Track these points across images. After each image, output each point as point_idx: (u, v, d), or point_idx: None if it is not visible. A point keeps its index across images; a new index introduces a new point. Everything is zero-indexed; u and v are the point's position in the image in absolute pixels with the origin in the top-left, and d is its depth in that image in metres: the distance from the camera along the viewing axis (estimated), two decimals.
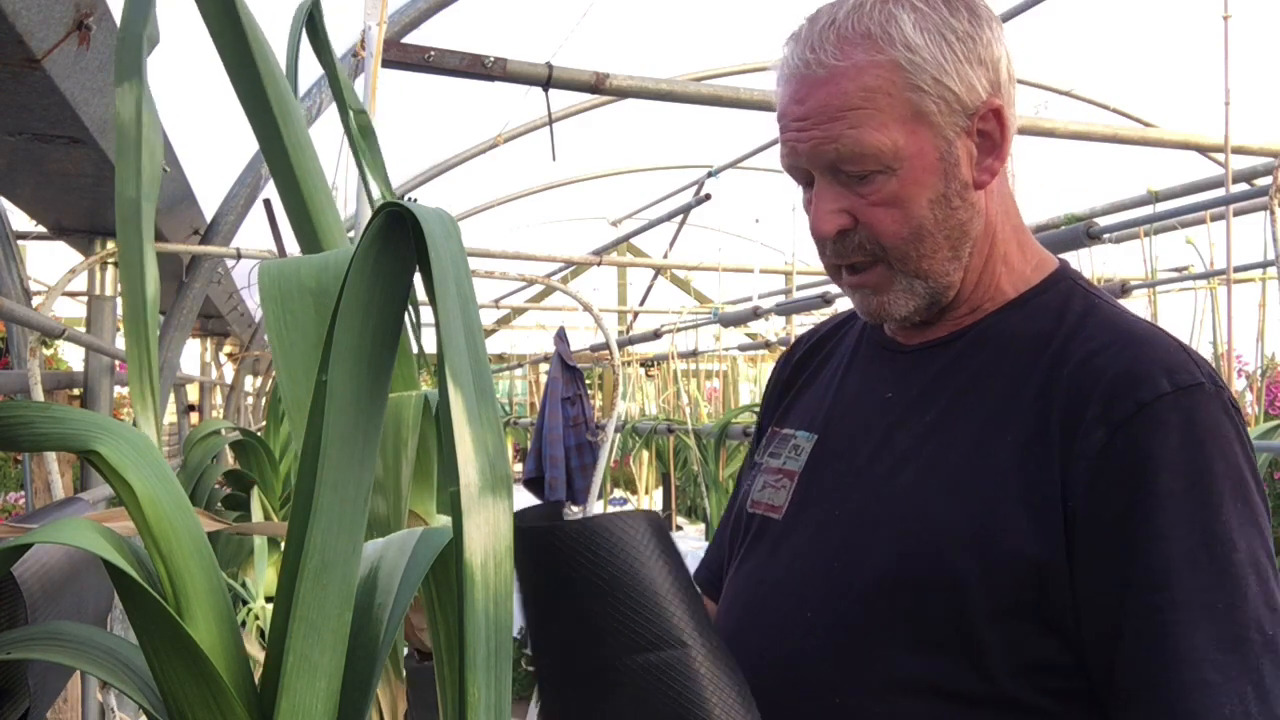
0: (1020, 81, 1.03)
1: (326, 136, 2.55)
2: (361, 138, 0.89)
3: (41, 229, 2.30)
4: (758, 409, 1.26)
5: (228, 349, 5.44)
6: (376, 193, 0.89)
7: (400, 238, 0.56)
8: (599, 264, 4.90)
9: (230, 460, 3.42)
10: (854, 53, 0.88)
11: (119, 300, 2.29)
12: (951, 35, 0.88)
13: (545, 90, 2.15)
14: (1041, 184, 4.04)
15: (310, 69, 2.26)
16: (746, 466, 1.17)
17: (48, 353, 3.79)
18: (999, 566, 0.82)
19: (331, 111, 2.28)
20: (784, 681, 0.91)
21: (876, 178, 0.89)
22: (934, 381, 0.95)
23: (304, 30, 0.79)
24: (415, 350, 0.86)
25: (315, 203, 0.76)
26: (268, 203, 1.92)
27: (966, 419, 0.90)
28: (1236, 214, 3.12)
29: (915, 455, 0.91)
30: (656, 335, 5.86)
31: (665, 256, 6.81)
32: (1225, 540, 0.78)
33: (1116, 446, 0.81)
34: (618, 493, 7.40)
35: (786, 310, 4.33)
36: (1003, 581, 0.82)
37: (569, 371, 5.78)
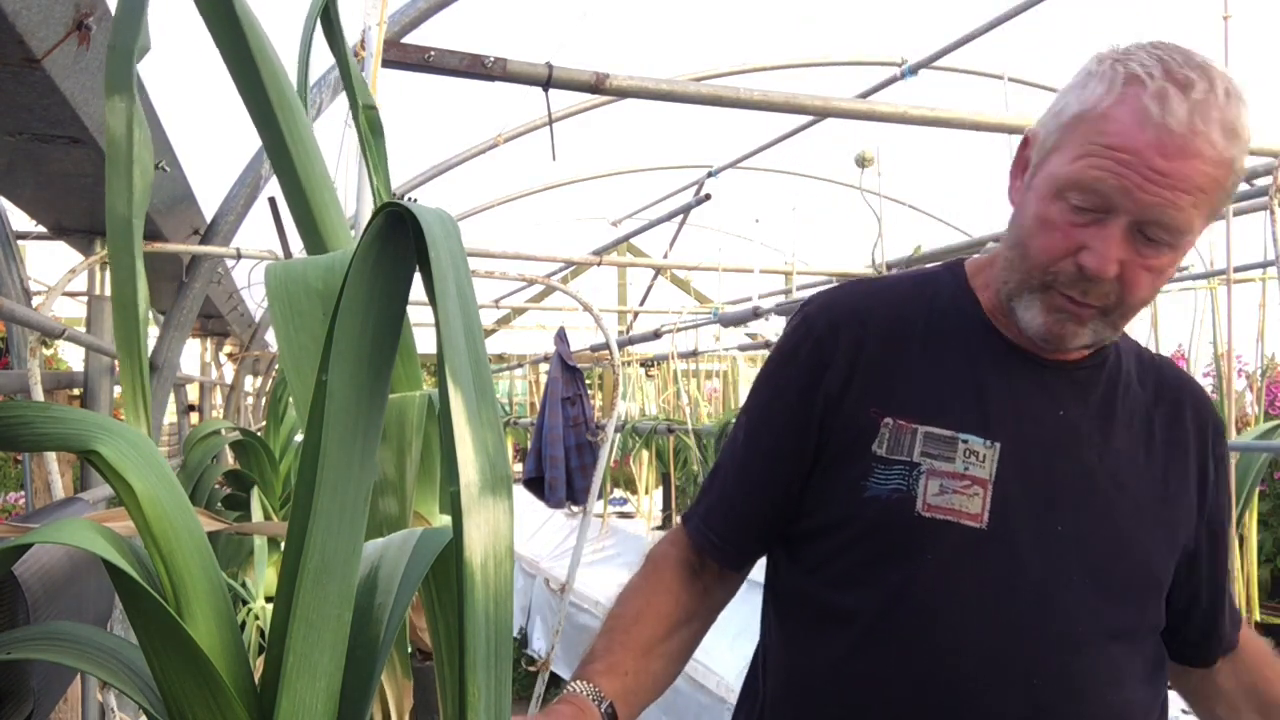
0: (1018, 81, 1.04)
1: (327, 136, 2.55)
2: (370, 134, 0.89)
3: (41, 229, 2.30)
4: None
5: (228, 349, 5.43)
6: (372, 190, 0.89)
7: (400, 238, 0.56)
8: (599, 264, 4.90)
9: (230, 460, 3.42)
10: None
11: None
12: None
13: (545, 90, 2.15)
14: None
15: (313, 66, 2.26)
16: (782, 441, 1.10)
17: (48, 353, 3.79)
18: (1185, 563, 1.09)
19: (333, 110, 2.28)
20: (1062, 683, 1.00)
21: (1164, 248, 0.96)
22: (1104, 403, 1.08)
23: (318, 24, 0.79)
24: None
25: (320, 203, 0.77)
26: (273, 201, 1.92)
27: (1151, 442, 1.09)
28: (1236, 214, 3.12)
29: (1117, 476, 1.05)
30: (656, 335, 5.86)
31: (665, 256, 6.81)
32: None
33: (1220, 452, 1.13)
34: (618, 493, 7.40)
35: (786, 310, 4.33)
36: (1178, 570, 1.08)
37: (569, 371, 5.78)
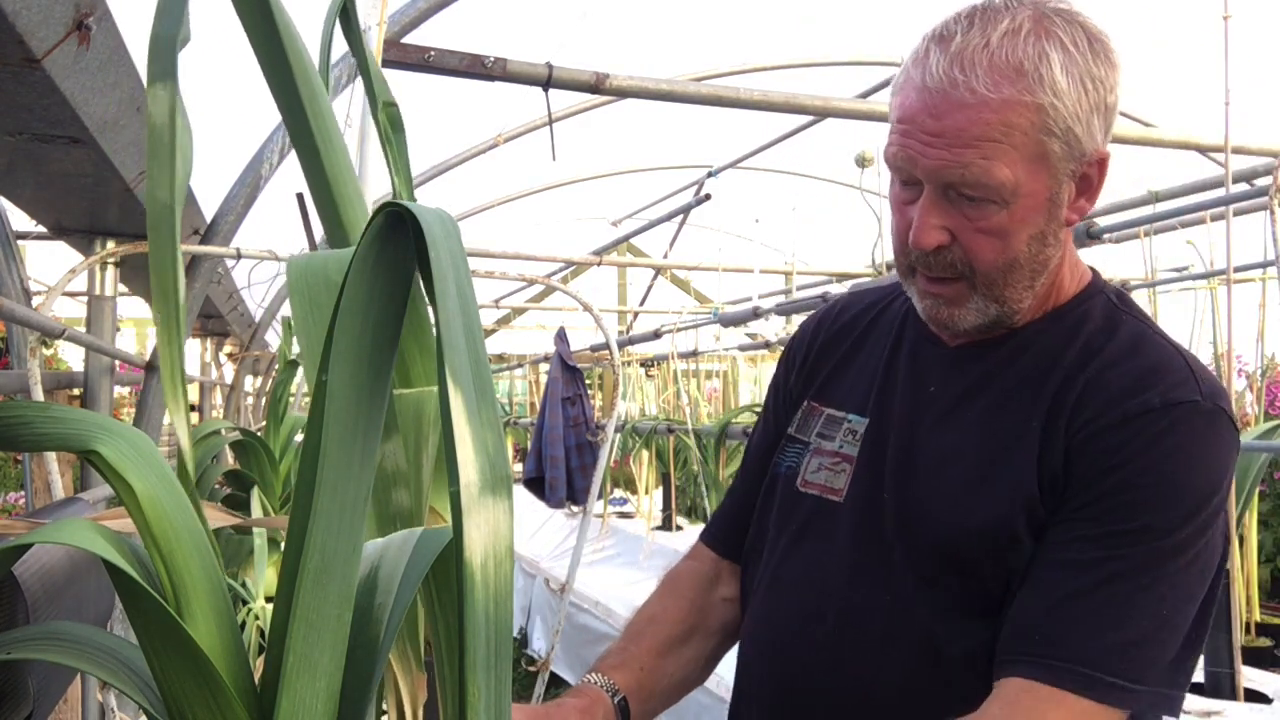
0: None
1: None
2: (390, 131, 0.90)
3: (41, 229, 2.30)
4: (759, 408, 1.28)
5: (228, 349, 5.44)
6: (390, 189, 0.89)
7: (400, 238, 0.56)
8: (599, 264, 4.90)
9: (230, 460, 3.42)
10: (1004, 86, 0.88)
11: (119, 300, 2.29)
12: (1090, 83, 0.90)
13: (545, 90, 2.15)
14: None
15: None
16: (766, 436, 1.19)
17: (48, 353, 3.78)
18: (1003, 548, 0.94)
19: (336, 107, 2.27)
20: (871, 655, 0.99)
21: (988, 207, 0.92)
22: (976, 383, 1.01)
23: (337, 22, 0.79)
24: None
25: (344, 197, 0.77)
26: (300, 196, 1.92)
27: (999, 423, 0.98)
28: (1236, 214, 3.12)
29: (957, 453, 0.99)
30: (656, 335, 5.86)
31: (665, 256, 6.81)
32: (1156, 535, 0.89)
33: (1096, 444, 0.92)
34: (618, 492, 7.40)
35: (786, 310, 4.33)
36: (1003, 558, 0.94)
37: (569, 371, 5.78)
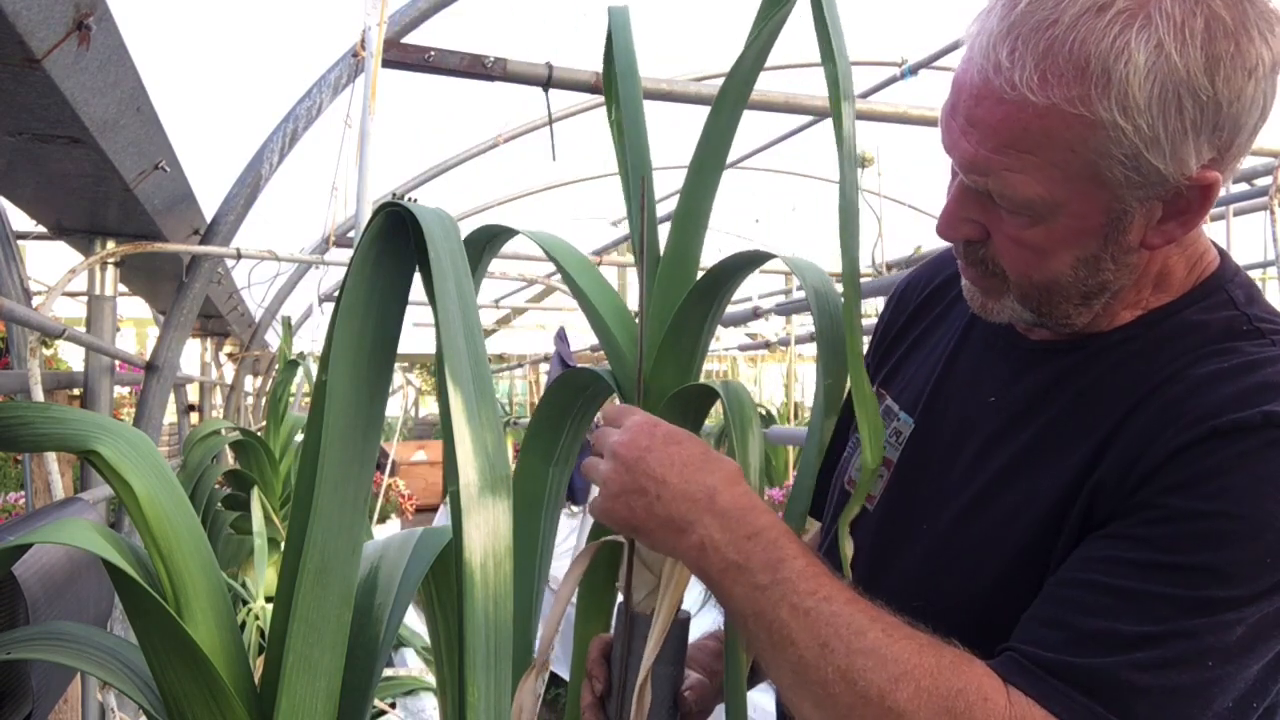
0: None
1: (326, 137, 2.55)
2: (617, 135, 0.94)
3: (41, 229, 2.30)
4: (759, 408, 1.22)
5: (228, 349, 5.43)
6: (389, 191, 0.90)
7: (400, 238, 0.56)
8: (599, 264, 4.89)
9: (230, 460, 3.42)
10: (1053, 87, 0.68)
11: (119, 300, 2.29)
12: (1189, 99, 0.68)
13: (545, 90, 2.15)
14: None
15: (308, 68, 2.26)
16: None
17: (48, 353, 3.79)
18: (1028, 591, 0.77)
19: (331, 111, 2.28)
20: None
21: (1020, 218, 0.75)
22: (1039, 397, 0.83)
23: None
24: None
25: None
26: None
27: (1054, 453, 0.80)
28: (1236, 214, 3.12)
29: (1001, 489, 0.82)
30: None
31: None
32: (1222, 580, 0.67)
33: (1167, 463, 0.71)
34: None
35: (786, 310, 4.32)
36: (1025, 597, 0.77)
37: None
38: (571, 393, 0.99)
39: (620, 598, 0.91)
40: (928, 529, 0.87)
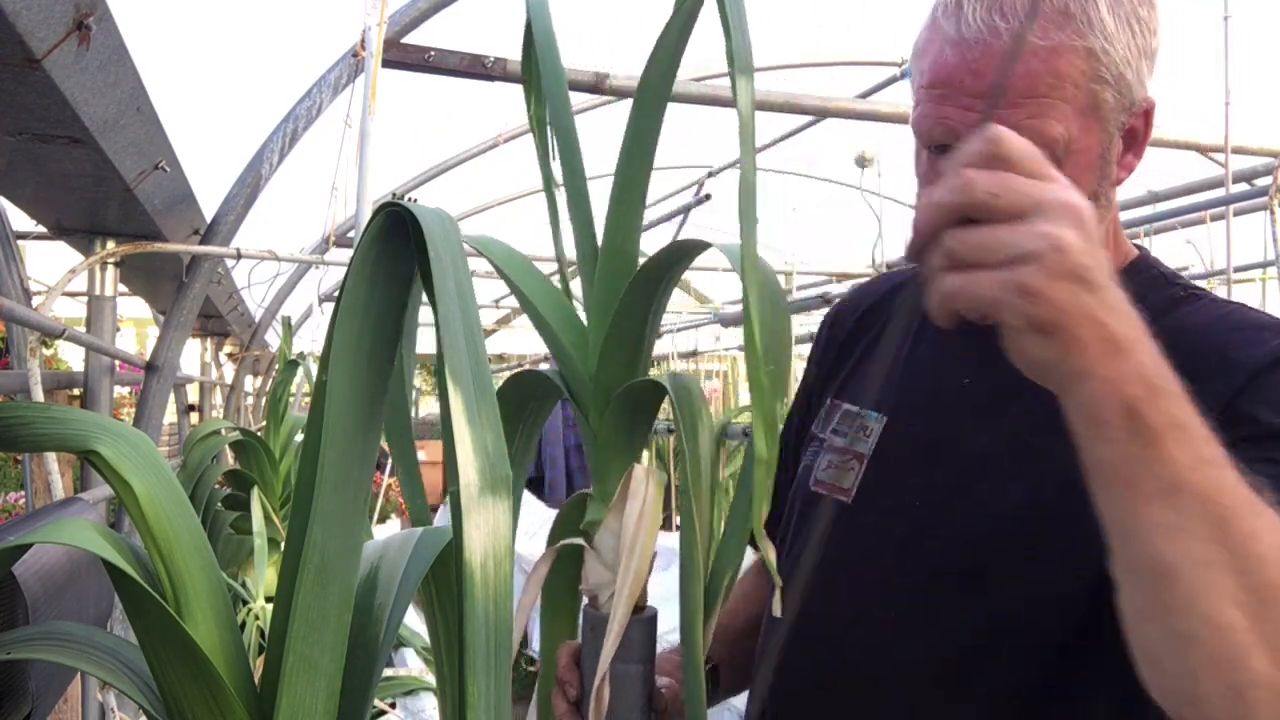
0: None
1: (326, 137, 2.55)
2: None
3: (41, 229, 2.30)
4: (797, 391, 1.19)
5: (228, 349, 5.44)
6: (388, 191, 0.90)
7: (400, 238, 0.56)
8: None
9: (230, 460, 3.42)
10: (1051, 31, 0.79)
11: (119, 300, 2.29)
12: (1137, 24, 0.82)
13: None
14: None
15: (308, 68, 2.26)
16: (798, 438, 1.10)
17: (48, 353, 3.78)
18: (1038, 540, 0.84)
19: (331, 111, 2.28)
20: (855, 666, 0.93)
21: None
22: (1017, 374, 0.86)
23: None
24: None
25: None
26: None
27: (1043, 426, 0.80)
28: (1236, 214, 3.12)
29: (990, 463, 0.88)
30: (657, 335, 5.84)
31: None
32: None
33: (1256, 384, 0.76)
34: None
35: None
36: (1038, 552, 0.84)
37: None
38: (521, 395, 0.97)
39: (585, 600, 0.90)
40: (913, 508, 0.91)
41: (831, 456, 1.01)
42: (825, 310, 1.23)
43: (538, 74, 0.91)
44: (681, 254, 0.85)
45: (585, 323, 0.90)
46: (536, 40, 0.90)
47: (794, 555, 1.04)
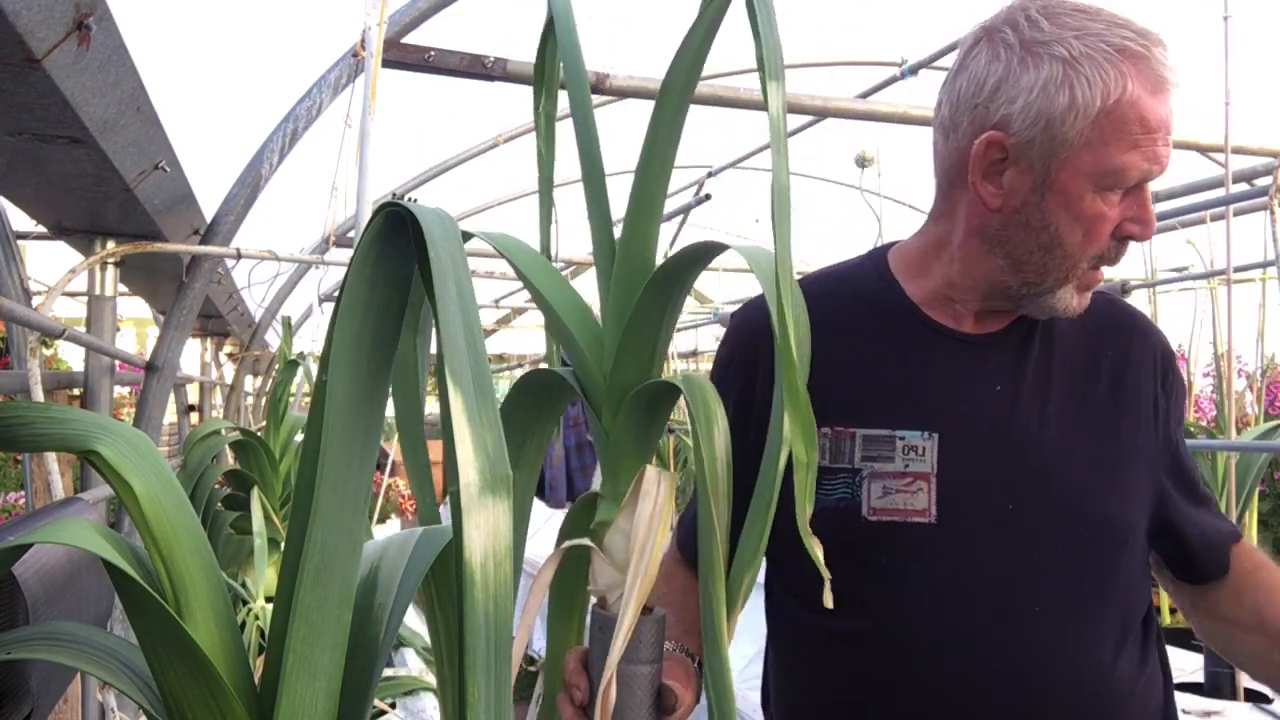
0: None
1: (326, 137, 2.55)
2: None
3: (41, 229, 2.30)
4: None
5: (228, 349, 5.44)
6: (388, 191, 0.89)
7: (400, 238, 0.56)
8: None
9: (230, 460, 3.42)
10: None
11: (119, 300, 2.29)
12: None
13: None
14: None
15: (308, 68, 2.26)
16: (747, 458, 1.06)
17: (48, 353, 3.78)
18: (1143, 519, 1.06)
19: (331, 111, 2.28)
20: (1019, 669, 0.98)
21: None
22: (1039, 367, 1.05)
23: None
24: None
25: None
26: None
27: (1096, 392, 1.06)
28: (1236, 214, 3.12)
29: (1062, 440, 1.03)
30: None
31: (665, 256, 6.78)
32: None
33: (1170, 382, 1.11)
34: None
35: None
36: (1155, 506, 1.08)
37: None
38: (533, 396, 0.97)
39: (593, 601, 0.89)
40: (1015, 508, 1.00)
41: (886, 483, 1.01)
42: None
43: (553, 71, 0.91)
44: (699, 256, 0.85)
45: (601, 323, 0.90)
46: (560, 38, 0.90)
47: (882, 593, 1.01)
